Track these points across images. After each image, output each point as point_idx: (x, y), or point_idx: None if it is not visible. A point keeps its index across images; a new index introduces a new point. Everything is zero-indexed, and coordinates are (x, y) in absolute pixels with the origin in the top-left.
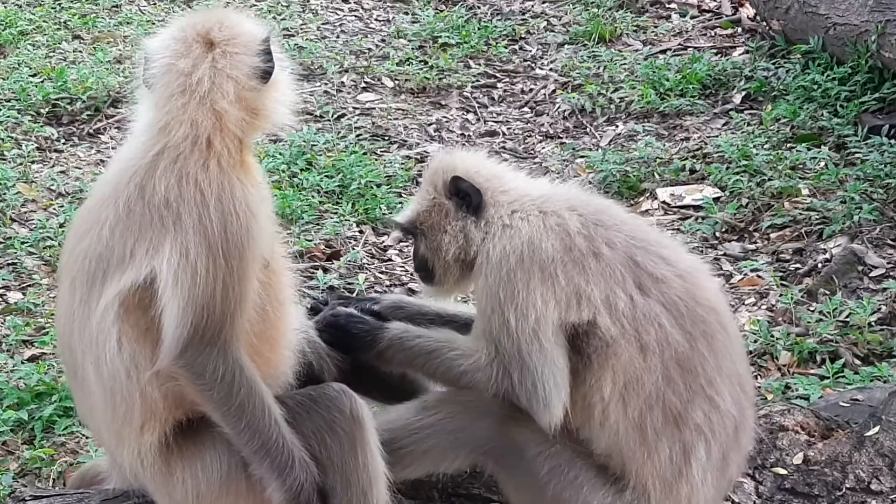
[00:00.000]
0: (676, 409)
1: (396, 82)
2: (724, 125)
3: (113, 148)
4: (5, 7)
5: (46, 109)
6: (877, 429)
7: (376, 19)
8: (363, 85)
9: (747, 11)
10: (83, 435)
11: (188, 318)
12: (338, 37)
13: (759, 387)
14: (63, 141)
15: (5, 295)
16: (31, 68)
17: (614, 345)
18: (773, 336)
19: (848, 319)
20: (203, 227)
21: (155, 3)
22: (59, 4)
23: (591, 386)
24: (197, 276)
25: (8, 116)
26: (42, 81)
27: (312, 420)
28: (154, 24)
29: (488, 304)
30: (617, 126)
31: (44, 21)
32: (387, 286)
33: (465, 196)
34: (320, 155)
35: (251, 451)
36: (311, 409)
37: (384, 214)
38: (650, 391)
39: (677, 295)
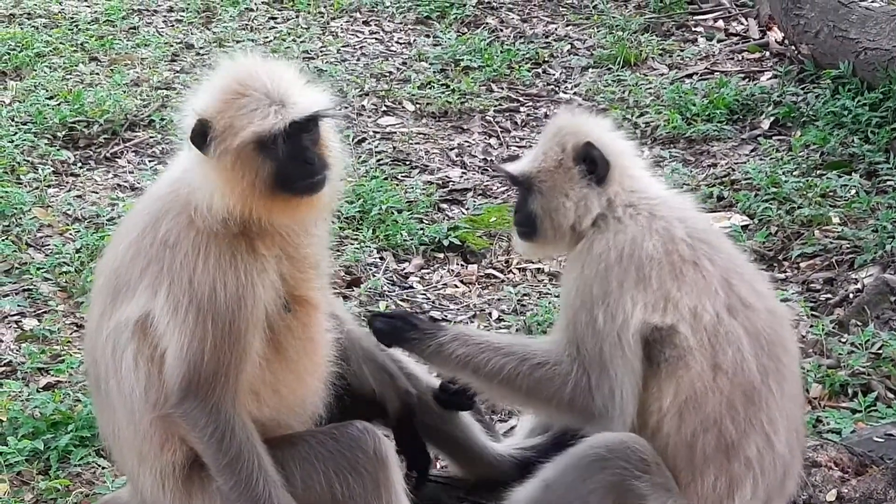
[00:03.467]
0: (731, 438)
1: (418, 106)
2: (752, 151)
3: (130, 172)
4: (22, 29)
5: (63, 133)
6: None
7: (397, 42)
8: (384, 109)
9: (775, 35)
10: (99, 465)
11: (181, 370)
12: (358, 59)
13: None
14: (79, 165)
15: (21, 321)
16: (47, 91)
17: (688, 356)
18: (803, 368)
19: (881, 351)
20: (193, 288)
21: (173, 26)
22: (76, 26)
23: (653, 394)
24: (184, 335)
25: (24, 140)
26: (58, 104)
27: (335, 459)
28: (172, 45)
29: (578, 297)
30: (643, 151)
31: (60, 43)
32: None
33: (593, 164)
34: (341, 179)
35: None
36: (334, 448)
37: (405, 240)
38: (709, 412)
39: (762, 326)
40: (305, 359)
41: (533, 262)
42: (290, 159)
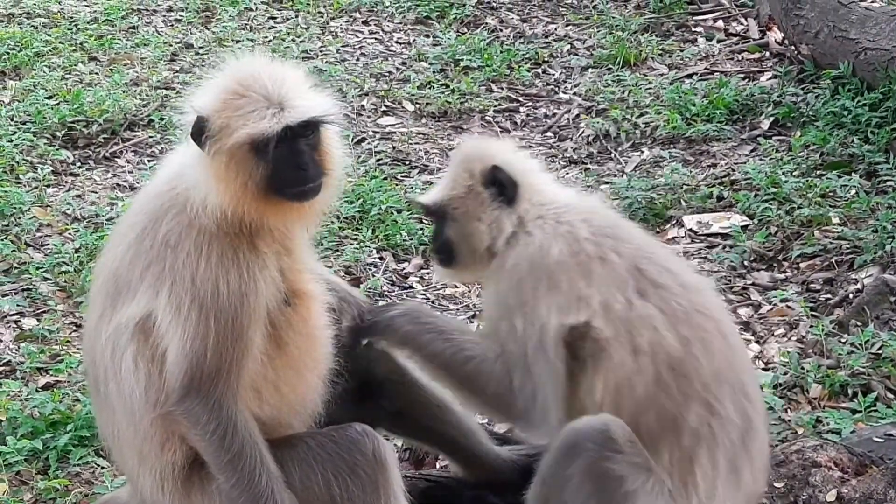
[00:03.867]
0: (671, 413)
1: (417, 106)
2: (751, 151)
3: (129, 172)
4: (21, 28)
5: (62, 132)
6: None
7: (397, 42)
8: (383, 109)
9: (775, 35)
10: (98, 465)
11: (183, 368)
12: (358, 59)
13: (790, 420)
14: (79, 164)
15: (20, 321)
16: (46, 90)
17: (608, 347)
18: (803, 368)
19: (880, 352)
20: (195, 287)
21: (172, 25)
22: (76, 26)
23: (586, 389)
24: (187, 333)
25: (23, 139)
26: (58, 104)
27: (334, 462)
28: (171, 45)
29: (497, 309)
30: (642, 152)
31: (60, 42)
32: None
33: (501, 186)
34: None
35: None
36: (333, 450)
37: (404, 241)
38: (641, 395)
39: (676, 301)
40: (306, 354)
41: None
42: (283, 163)
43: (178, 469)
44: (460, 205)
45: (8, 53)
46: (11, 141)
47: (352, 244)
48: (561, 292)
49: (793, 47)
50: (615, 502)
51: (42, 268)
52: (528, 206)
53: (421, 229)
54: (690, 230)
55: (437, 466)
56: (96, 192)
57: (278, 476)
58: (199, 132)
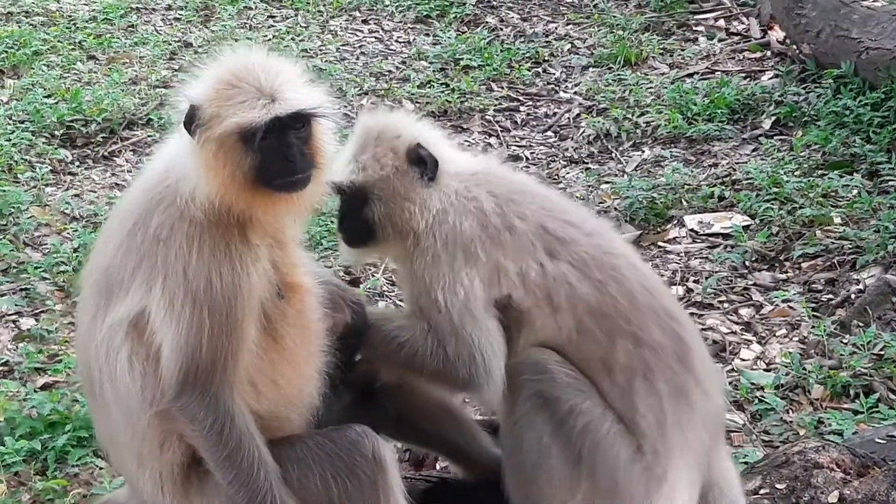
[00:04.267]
0: (598, 356)
1: (417, 105)
2: (753, 151)
3: (128, 171)
4: (19, 27)
5: (61, 131)
6: None
7: (397, 41)
8: (384, 108)
9: (776, 35)
10: (97, 466)
11: (178, 363)
12: (357, 58)
13: (791, 421)
14: (77, 164)
15: (18, 321)
16: (45, 89)
17: (529, 314)
18: (805, 369)
19: (882, 352)
20: (188, 280)
21: (171, 24)
22: (74, 24)
23: (513, 353)
24: (181, 328)
25: (22, 138)
26: (56, 103)
27: (333, 463)
28: (170, 44)
29: (416, 286)
30: (643, 151)
31: (58, 41)
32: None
33: (422, 163)
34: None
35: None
36: (332, 450)
37: None
38: (566, 347)
39: (584, 251)
40: (301, 347)
41: None
42: (271, 154)
43: (178, 469)
44: (386, 185)
45: (6, 52)
46: (10, 140)
47: None
48: (480, 263)
49: (794, 47)
50: (562, 421)
51: (40, 267)
52: (448, 180)
53: None
54: (692, 230)
55: (438, 467)
56: (95, 192)
57: (276, 471)
58: (191, 121)
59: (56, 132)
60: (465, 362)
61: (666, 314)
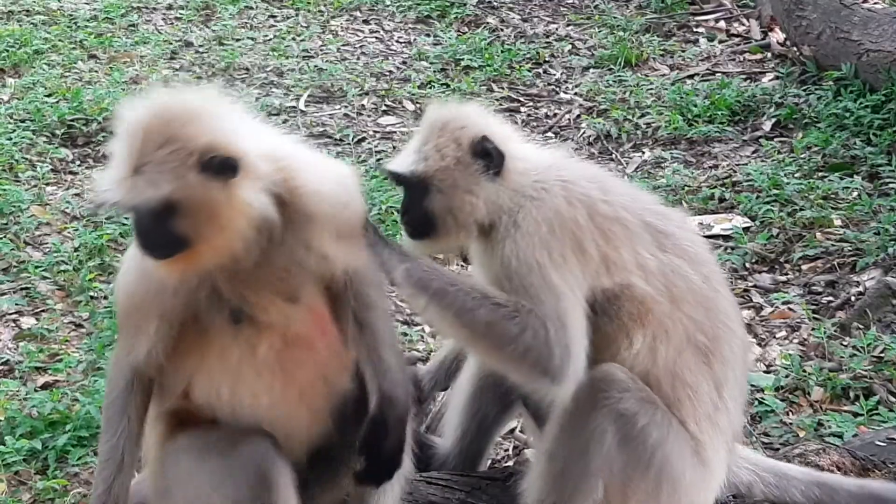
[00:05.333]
0: (706, 347)
1: (418, 105)
2: (753, 153)
3: None
4: (20, 26)
5: (61, 130)
6: None
7: (397, 41)
8: (384, 108)
9: (777, 36)
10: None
11: None
12: (358, 58)
13: (791, 423)
14: (78, 163)
15: (18, 320)
16: (46, 88)
17: (649, 302)
18: (805, 371)
19: (882, 355)
20: (122, 273)
21: (172, 23)
22: (75, 23)
23: (621, 344)
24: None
25: (22, 137)
26: (57, 102)
27: (224, 465)
28: (171, 43)
29: (522, 265)
30: (643, 152)
31: (59, 40)
32: (408, 314)
33: (488, 157)
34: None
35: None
36: (228, 453)
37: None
38: (679, 337)
39: (684, 244)
40: (259, 379)
41: None
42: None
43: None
44: (447, 176)
45: (7, 51)
46: (10, 139)
47: None
48: (588, 256)
49: (795, 48)
50: (635, 439)
51: (41, 267)
52: (515, 177)
53: None
54: None
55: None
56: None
57: (133, 436)
58: None
59: (57, 131)
60: (562, 349)
61: (736, 306)
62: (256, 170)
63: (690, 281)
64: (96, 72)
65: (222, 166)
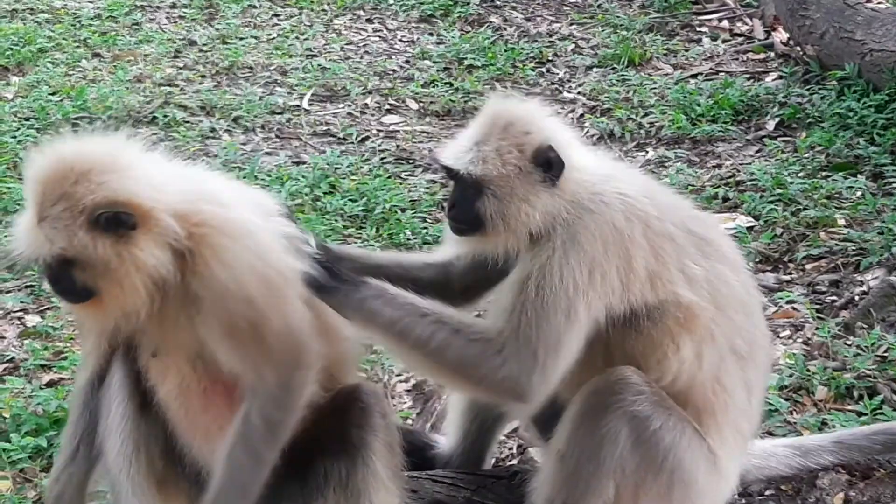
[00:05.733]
0: (745, 353)
1: (421, 104)
2: (757, 152)
3: None
4: (24, 24)
5: (66, 129)
6: None
7: (401, 40)
8: (387, 107)
9: (780, 36)
10: None
11: None
12: (361, 57)
13: (795, 422)
14: None
15: (23, 318)
16: (50, 86)
17: (695, 308)
18: (808, 370)
19: (886, 354)
20: None
21: (176, 22)
22: (79, 22)
23: (667, 349)
24: None
25: (27, 135)
26: (61, 100)
27: None
28: (175, 42)
29: (559, 282)
30: (647, 152)
31: (63, 38)
32: None
33: (549, 165)
34: (344, 178)
35: None
36: None
37: (408, 240)
38: (722, 345)
39: (724, 250)
40: (169, 410)
41: None
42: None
43: None
44: (506, 184)
45: (11, 49)
46: (15, 137)
47: (355, 242)
48: (635, 274)
49: (798, 48)
50: (648, 441)
51: None
52: (574, 187)
53: (425, 228)
54: None
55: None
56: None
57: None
58: None
59: (61, 129)
60: (545, 377)
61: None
62: (157, 225)
63: (732, 287)
64: (100, 70)
65: (113, 222)
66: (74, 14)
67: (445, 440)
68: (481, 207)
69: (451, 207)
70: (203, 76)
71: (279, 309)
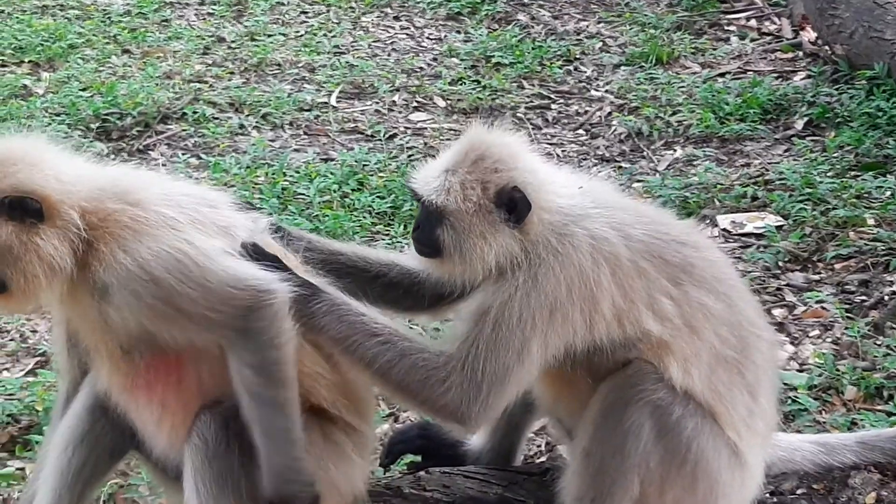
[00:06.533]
0: (735, 360)
1: (448, 102)
2: (785, 151)
3: (163, 165)
4: (55, 20)
5: (96, 124)
6: None
7: (428, 37)
8: (415, 104)
9: (809, 35)
10: (133, 457)
11: None
12: (389, 55)
13: (824, 422)
14: (112, 157)
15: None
16: (80, 82)
17: (667, 340)
18: (838, 370)
19: None
20: None
21: (205, 19)
22: (109, 18)
23: (657, 365)
24: None
25: (58, 131)
26: (92, 96)
27: None
28: (204, 38)
29: (516, 320)
30: (675, 150)
31: (93, 35)
32: None
33: (513, 205)
34: (372, 175)
35: None
36: None
37: None
38: (708, 359)
39: (701, 271)
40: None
41: None
42: None
43: None
44: (464, 219)
45: (42, 45)
46: (46, 132)
47: (383, 239)
48: (600, 315)
49: (827, 47)
50: (671, 431)
51: None
52: (540, 228)
53: None
54: (724, 230)
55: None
56: None
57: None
58: None
59: (92, 125)
60: (488, 407)
61: (757, 307)
62: (62, 218)
63: (708, 308)
64: (130, 66)
65: (18, 208)
66: (104, 10)
67: (475, 437)
68: (440, 235)
69: (415, 228)
70: (232, 73)
71: (198, 278)
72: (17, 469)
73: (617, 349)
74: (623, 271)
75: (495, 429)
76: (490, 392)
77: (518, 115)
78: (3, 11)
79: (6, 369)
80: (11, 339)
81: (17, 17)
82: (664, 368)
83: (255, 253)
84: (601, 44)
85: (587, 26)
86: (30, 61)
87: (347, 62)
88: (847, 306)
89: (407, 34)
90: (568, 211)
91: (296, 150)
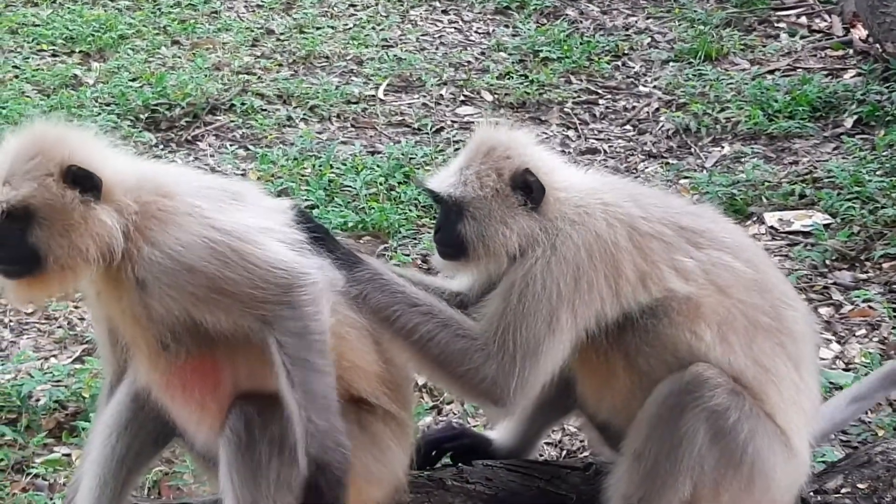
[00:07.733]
0: (773, 327)
1: (496, 96)
2: (834, 149)
3: (211, 155)
4: (105, 11)
5: (145, 115)
6: None
7: (476, 32)
8: (462, 98)
9: (859, 33)
10: (178, 444)
11: None
12: (437, 49)
13: (870, 422)
14: (161, 147)
15: None
16: (130, 73)
17: (694, 297)
18: None
19: None
20: None
21: (254, 11)
22: (159, 9)
23: (689, 341)
24: None
25: (108, 121)
26: (141, 86)
27: None
28: (252, 30)
29: (543, 290)
30: (723, 147)
31: (143, 26)
32: None
33: (528, 189)
34: (418, 168)
35: None
36: None
37: None
38: (744, 324)
39: (720, 237)
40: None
41: None
42: None
43: None
44: (483, 206)
45: (93, 35)
46: (96, 122)
47: (428, 232)
48: (624, 279)
49: (877, 45)
50: (727, 435)
51: None
52: (557, 207)
53: None
54: (771, 227)
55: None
56: None
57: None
58: None
59: (141, 115)
60: (523, 384)
61: (787, 289)
62: (117, 199)
63: (733, 269)
64: (179, 57)
65: (82, 179)
66: (154, 2)
67: (496, 434)
68: (462, 230)
69: (436, 231)
70: (280, 65)
71: (238, 262)
72: (64, 455)
73: (647, 319)
74: (639, 232)
75: (517, 431)
76: (525, 365)
77: (565, 109)
78: (55, 2)
79: (54, 356)
80: (59, 327)
81: (69, 8)
82: (698, 339)
83: (306, 222)
84: (650, 39)
85: (636, 21)
86: (80, 51)
87: (395, 55)
88: (895, 306)
89: (455, 28)
90: (580, 187)
91: (343, 143)
